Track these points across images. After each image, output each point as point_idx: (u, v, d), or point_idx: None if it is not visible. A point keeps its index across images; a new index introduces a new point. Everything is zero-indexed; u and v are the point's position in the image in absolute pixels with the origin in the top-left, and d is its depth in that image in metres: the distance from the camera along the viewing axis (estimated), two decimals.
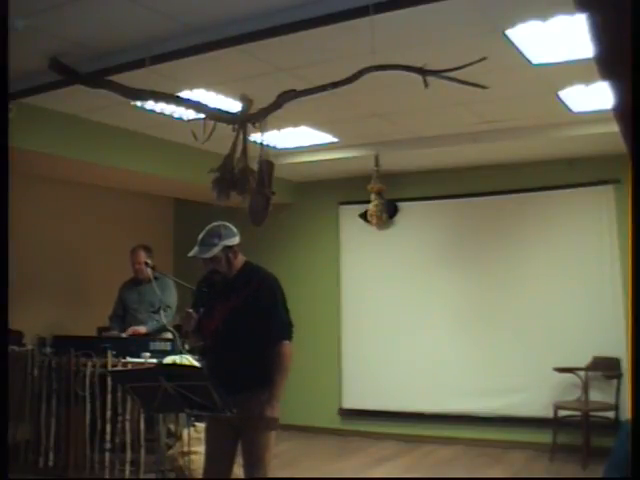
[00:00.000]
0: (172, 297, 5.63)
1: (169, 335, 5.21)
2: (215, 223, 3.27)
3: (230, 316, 3.18)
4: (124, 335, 5.44)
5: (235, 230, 3.28)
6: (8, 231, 2.30)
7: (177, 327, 5.59)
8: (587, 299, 6.03)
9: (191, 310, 3.23)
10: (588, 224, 6.12)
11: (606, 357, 5.78)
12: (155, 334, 5.42)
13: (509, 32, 3.48)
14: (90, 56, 3.75)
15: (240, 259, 3.29)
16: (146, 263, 5.51)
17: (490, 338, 6.37)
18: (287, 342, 3.15)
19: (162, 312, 5.55)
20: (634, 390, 1.11)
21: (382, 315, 6.87)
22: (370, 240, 6.97)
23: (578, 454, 5.50)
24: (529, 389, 6.11)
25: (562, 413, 5.76)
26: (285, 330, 3.18)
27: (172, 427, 4.88)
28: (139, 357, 4.85)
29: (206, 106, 3.75)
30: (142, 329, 5.44)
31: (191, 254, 3.20)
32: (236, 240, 3.24)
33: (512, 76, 4.18)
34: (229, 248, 3.20)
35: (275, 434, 3.19)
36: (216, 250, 3.16)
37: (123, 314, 5.73)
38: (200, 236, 3.22)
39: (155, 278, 5.46)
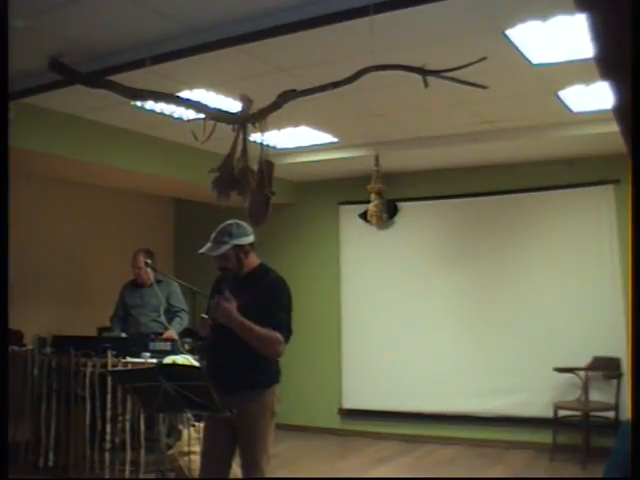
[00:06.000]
0: (182, 300, 5.62)
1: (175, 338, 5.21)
2: (229, 221, 3.25)
3: None
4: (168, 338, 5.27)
5: (249, 230, 3.25)
6: (8, 231, 2.30)
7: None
8: (587, 299, 6.02)
9: (206, 316, 3.23)
10: (588, 224, 6.11)
11: (606, 357, 5.78)
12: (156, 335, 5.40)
13: (509, 32, 3.48)
14: (90, 56, 3.75)
15: (253, 260, 3.26)
16: (146, 263, 5.51)
17: (490, 338, 6.37)
18: (279, 335, 3.05)
19: (178, 316, 5.55)
20: (634, 390, 1.11)
21: (382, 315, 6.87)
22: (370, 240, 6.97)
23: (578, 454, 5.50)
24: (529, 389, 6.11)
25: (562, 413, 5.76)
26: (281, 328, 3.08)
27: (172, 427, 4.88)
28: (139, 357, 4.85)
29: (206, 106, 3.75)
30: (172, 334, 5.33)
31: (201, 251, 3.20)
32: (248, 240, 3.22)
33: (512, 76, 4.18)
34: (240, 247, 3.18)
35: (274, 436, 3.18)
36: (225, 248, 3.15)
37: (124, 315, 5.72)
38: (213, 234, 3.22)
39: (157, 281, 5.45)
